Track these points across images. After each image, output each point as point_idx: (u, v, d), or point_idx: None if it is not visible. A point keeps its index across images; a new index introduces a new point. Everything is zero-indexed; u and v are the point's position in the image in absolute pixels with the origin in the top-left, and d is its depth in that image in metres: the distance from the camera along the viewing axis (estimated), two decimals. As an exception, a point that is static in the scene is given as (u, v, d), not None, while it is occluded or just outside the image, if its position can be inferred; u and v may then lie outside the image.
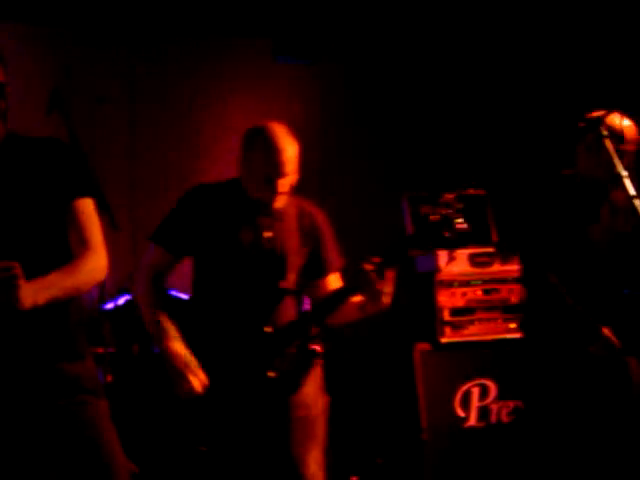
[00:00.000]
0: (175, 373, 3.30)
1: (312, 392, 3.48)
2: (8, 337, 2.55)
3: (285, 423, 3.41)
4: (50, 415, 2.66)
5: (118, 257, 3.09)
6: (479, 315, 5.38)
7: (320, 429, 3.49)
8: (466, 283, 5.36)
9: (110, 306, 5.27)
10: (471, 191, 5.73)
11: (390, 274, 3.36)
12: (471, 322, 5.35)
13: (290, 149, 3.51)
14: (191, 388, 3.28)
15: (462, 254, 5.35)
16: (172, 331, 3.36)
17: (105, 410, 2.77)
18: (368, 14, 6.82)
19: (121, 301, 5.35)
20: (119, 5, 6.49)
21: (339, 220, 3.81)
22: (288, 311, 3.53)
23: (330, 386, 3.65)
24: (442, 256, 5.30)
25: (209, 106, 7.02)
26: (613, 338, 3.84)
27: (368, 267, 3.33)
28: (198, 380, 3.29)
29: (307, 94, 7.15)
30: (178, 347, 3.34)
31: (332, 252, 3.66)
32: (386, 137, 7.05)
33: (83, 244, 2.74)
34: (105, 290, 5.01)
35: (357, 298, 3.47)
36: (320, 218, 3.68)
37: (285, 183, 3.48)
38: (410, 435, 5.29)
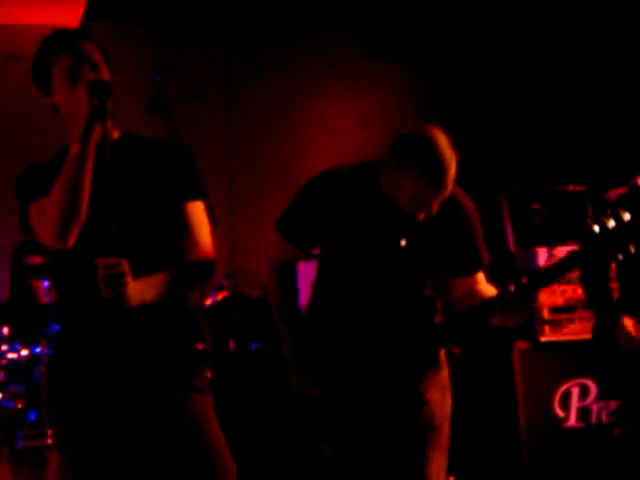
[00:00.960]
0: (296, 371, 3.21)
1: (440, 398, 3.33)
2: (119, 333, 2.57)
3: (413, 429, 3.27)
4: (158, 411, 2.67)
5: (216, 254, 3.09)
6: (579, 314, 5.29)
7: (445, 434, 3.35)
8: (566, 281, 5.27)
9: (208, 302, 5.32)
10: (571, 187, 5.63)
11: (532, 296, 3.03)
12: (571, 321, 5.27)
13: (453, 166, 2.98)
14: (311, 388, 3.22)
15: (562, 251, 5.26)
16: (295, 327, 3.24)
17: (211, 408, 2.77)
18: (463, 12, 6.76)
19: (218, 297, 5.40)
20: (216, 4, 6.57)
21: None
22: (421, 320, 3.25)
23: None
24: (541, 253, 5.23)
25: (305, 103, 7.06)
26: None
27: (511, 289, 2.97)
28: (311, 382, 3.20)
29: (402, 91, 7.14)
30: (297, 347, 3.21)
31: (478, 249, 3.23)
32: (482, 134, 6.98)
33: (192, 245, 2.76)
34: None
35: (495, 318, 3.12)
36: (467, 210, 3.20)
37: (440, 201, 3.03)
38: (508, 435, 5.24)
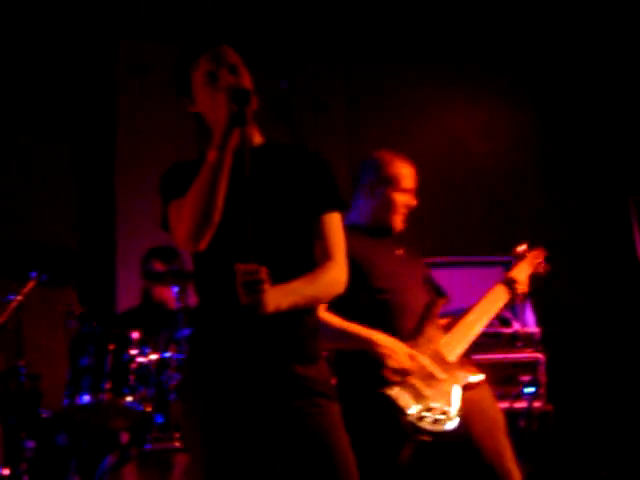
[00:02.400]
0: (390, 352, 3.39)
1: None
2: (249, 338, 2.60)
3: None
4: (285, 416, 2.70)
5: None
6: None
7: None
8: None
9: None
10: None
11: None
12: None
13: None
14: (404, 366, 3.35)
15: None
16: (360, 328, 3.44)
17: (338, 413, 2.78)
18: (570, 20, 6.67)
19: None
20: (338, 24, 6.63)
21: (565, 229, 3.73)
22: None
23: (554, 396, 3.59)
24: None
25: (424, 112, 7.05)
26: None
27: None
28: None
29: (521, 100, 7.06)
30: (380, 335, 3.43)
31: None
32: (609, 138, 6.84)
33: (327, 256, 2.79)
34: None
35: None
36: None
37: None
38: (634, 447, 5.13)
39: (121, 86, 6.60)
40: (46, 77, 6.53)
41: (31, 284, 4.57)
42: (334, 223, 2.83)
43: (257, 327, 2.56)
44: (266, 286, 2.53)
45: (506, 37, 6.76)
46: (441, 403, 3.42)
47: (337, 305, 3.24)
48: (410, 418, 3.34)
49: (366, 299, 3.54)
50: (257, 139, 2.86)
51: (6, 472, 4.52)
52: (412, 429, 3.32)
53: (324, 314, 3.36)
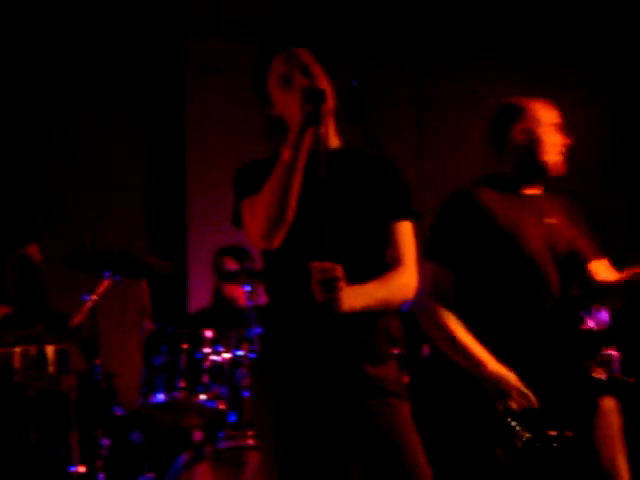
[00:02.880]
0: (506, 391, 3.16)
1: None
2: (322, 336, 2.61)
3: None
4: (356, 415, 2.70)
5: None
6: None
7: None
8: None
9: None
10: None
11: None
12: None
13: None
14: (528, 402, 3.16)
15: None
16: (483, 352, 3.21)
17: (408, 413, 2.78)
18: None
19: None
20: (410, 23, 6.60)
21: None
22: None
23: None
24: None
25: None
26: None
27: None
28: (530, 394, 3.17)
29: (597, 95, 6.96)
30: (498, 368, 3.18)
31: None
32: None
33: (398, 262, 2.80)
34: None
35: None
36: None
37: None
38: None
39: (190, 86, 6.64)
40: (117, 76, 6.62)
41: (105, 284, 4.63)
42: (405, 231, 2.85)
43: (331, 325, 2.56)
44: (341, 284, 2.53)
45: (580, 32, 6.67)
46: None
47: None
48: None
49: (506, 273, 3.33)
50: (335, 142, 2.88)
51: (82, 469, 4.57)
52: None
53: (449, 317, 3.26)
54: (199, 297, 5.87)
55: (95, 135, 6.55)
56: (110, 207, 6.48)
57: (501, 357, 3.21)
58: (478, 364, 3.19)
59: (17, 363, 2.38)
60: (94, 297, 4.60)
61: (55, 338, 4.14)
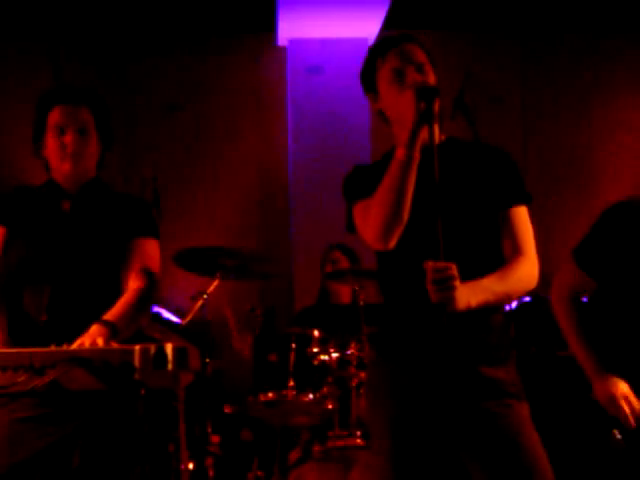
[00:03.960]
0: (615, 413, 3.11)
1: None
2: (438, 336, 2.58)
3: None
4: (474, 416, 2.67)
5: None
6: None
7: None
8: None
9: (513, 305, 5.23)
10: None
11: None
12: None
13: None
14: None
15: None
16: (602, 367, 3.14)
17: (527, 414, 2.73)
18: None
19: (526, 298, 5.31)
20: (515, 17, 6.53)
21: None
22: None
23: None
24: None
25: (602, 102, 6.87)
26: None
27: None
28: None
29: None
30: (622, 387, 3.10)
31: None
32: None
33: (516, 251, 2.73)
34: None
35: None
36: None
37: None
38: None
39: (292, 87, 6.68)
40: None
41: (216, 283, 4.69)
42: (522, 216, 2.77)
43: (446, 325, 2.53)
44: (456, 283, 2.51)
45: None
46: None
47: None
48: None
49: None
50: (441, 136, 2.84)
51: (191, 466, 4.63)
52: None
53: (574, 316, 3.22)
54: (305, 296, 5.90)
55: (206, 135, 6.65)
56: (219, 206, 6.56)
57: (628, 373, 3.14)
58: (596, 378, 3.14)
59: (137, 361, 2.41)
60: (205, 296, 4.67)
61: (167, 337, 4.22)
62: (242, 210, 6.60)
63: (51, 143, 3.11)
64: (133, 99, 6.57)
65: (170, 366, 2.40)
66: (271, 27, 6.55)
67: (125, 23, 6.54)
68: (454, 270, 2.51)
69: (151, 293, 3.07)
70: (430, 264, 2.50)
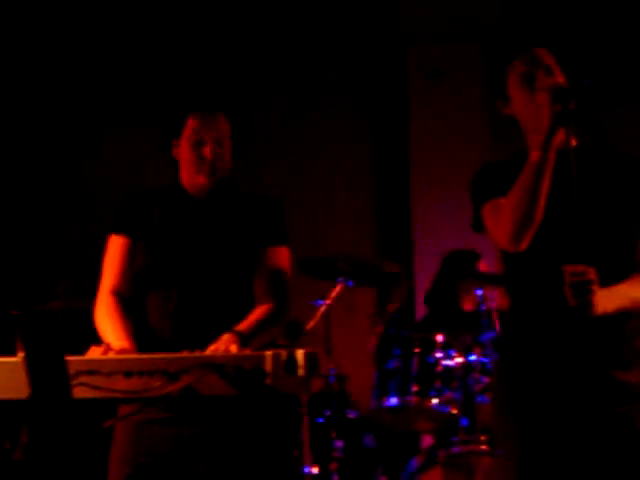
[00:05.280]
0: None
1: None
2: (572, 340, 2.56)
3: None
4: (607, 421, 2.63)
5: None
6: None
7: None
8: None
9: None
10: None
11: None
12: None
13: None
14: None
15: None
16: None
17: None
18: None
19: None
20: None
21: None
22: None
23: None
24: None
25: None
26: None
27: None
28: None
29: None
30: None
31: None
32: None
33: None
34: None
35: None
36: None
37: None
38: None
39: (413, 90, 6.67)
40: (343, 83, 6.76)
41: (338, 289, 4.71)
42: None
43: (582, 330, 2.50)
44: (595, 287, 2.47)
45: None
46: None
47: None
48: None
49: None
50: (575, 138, 2.81)
51: (315, 471, 4.65)
52: None
53: None
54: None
55: (321, 142, 6.69)
56: (338, 212, 6.59)
57: None
58: None
59: (268, 366, 2.44)
60: (327, 302, 4.70)
61: (290, 343, 4.25)
62: (362, 215, 6.63)
63: (187, 153, 3.06)
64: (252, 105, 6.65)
65: (301, 371, 2.42)
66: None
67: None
68: (593, 274, 2.48)
69: (283, 309, 3.05)
70: (569, 267, 2.49)
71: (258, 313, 2.99)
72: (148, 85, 6.51)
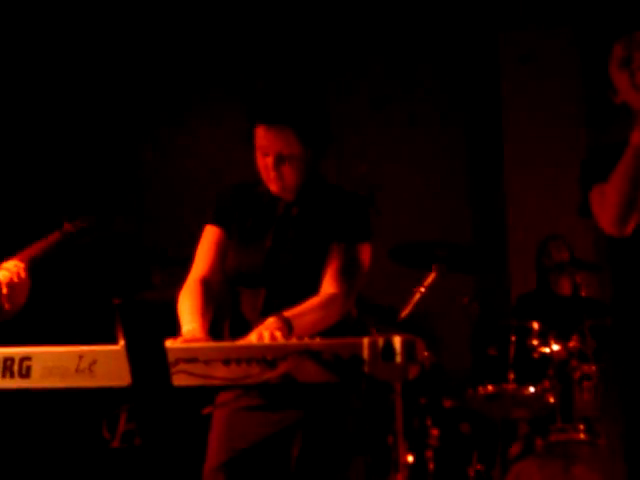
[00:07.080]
0: None
1: None
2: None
3: None
4: None
5: None
6: None
7: None
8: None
9: None
10: None
11: None
12: None
13: None
14: None
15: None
16: None
17: None
18: None
19: None
20: None
21: None
22: None
23: None
24: None
25: None
26: None
27: None
28: None
29: None
30: None
31: None
32: None
33: None
34: None
35: None
36: None
37: None
38: None
39: (505, 75, 6.62)
40: (438, 70, 6.77)
41: (432, 276, 4.69)
42: None
43: None
44: None
45: None
46: None
47: None
48: None
49: None
50: None
51: (411, 459, 4.64)
52: None
53: None
54: (521, 288, 5.82)
55: (415, 129, 6.67)
56: (432, 199, 6.57)
57: None
58: None
59: (366, 353, 2.43)
60: (422, 289, 4.67)
61: (383, 330, 4.24)
62: (456, 202, 6.60)
63: (257, 159, 3.05)
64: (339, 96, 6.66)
65: (398, 358, 2.41)
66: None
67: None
68: None
69: (344, 300, 2.97)
70: None
71: (312, 300, 2.94)
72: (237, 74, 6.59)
